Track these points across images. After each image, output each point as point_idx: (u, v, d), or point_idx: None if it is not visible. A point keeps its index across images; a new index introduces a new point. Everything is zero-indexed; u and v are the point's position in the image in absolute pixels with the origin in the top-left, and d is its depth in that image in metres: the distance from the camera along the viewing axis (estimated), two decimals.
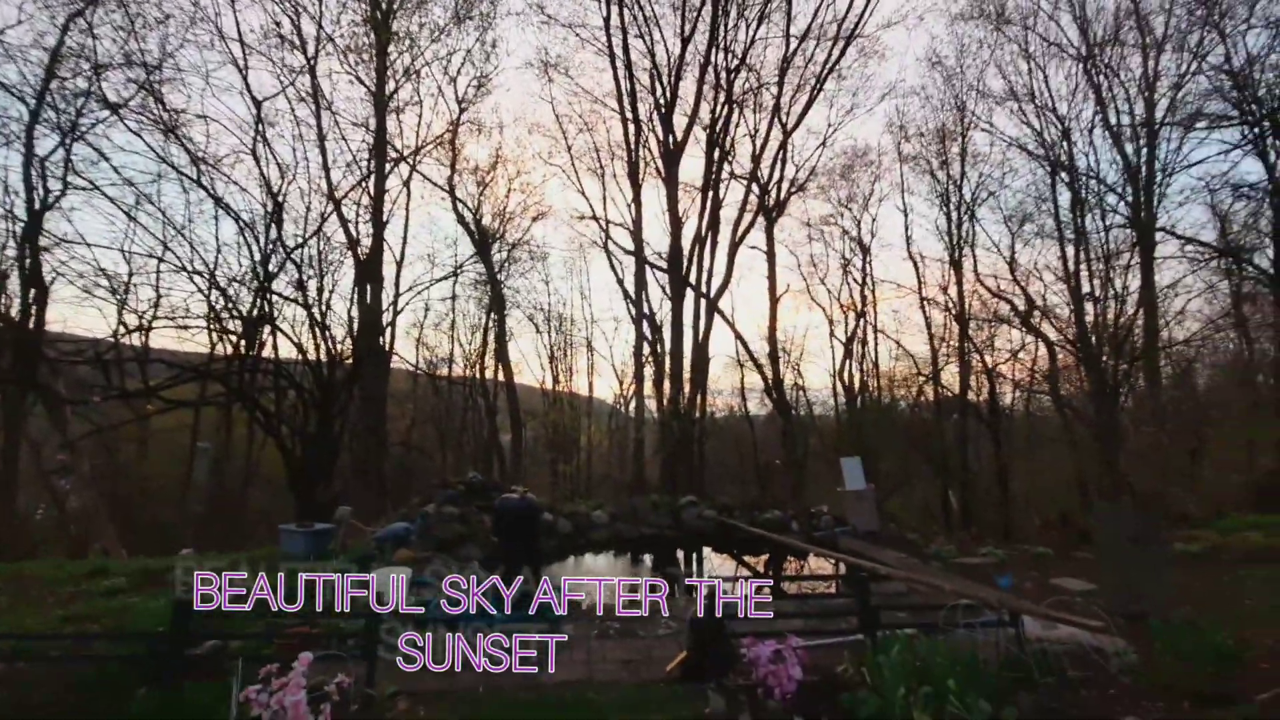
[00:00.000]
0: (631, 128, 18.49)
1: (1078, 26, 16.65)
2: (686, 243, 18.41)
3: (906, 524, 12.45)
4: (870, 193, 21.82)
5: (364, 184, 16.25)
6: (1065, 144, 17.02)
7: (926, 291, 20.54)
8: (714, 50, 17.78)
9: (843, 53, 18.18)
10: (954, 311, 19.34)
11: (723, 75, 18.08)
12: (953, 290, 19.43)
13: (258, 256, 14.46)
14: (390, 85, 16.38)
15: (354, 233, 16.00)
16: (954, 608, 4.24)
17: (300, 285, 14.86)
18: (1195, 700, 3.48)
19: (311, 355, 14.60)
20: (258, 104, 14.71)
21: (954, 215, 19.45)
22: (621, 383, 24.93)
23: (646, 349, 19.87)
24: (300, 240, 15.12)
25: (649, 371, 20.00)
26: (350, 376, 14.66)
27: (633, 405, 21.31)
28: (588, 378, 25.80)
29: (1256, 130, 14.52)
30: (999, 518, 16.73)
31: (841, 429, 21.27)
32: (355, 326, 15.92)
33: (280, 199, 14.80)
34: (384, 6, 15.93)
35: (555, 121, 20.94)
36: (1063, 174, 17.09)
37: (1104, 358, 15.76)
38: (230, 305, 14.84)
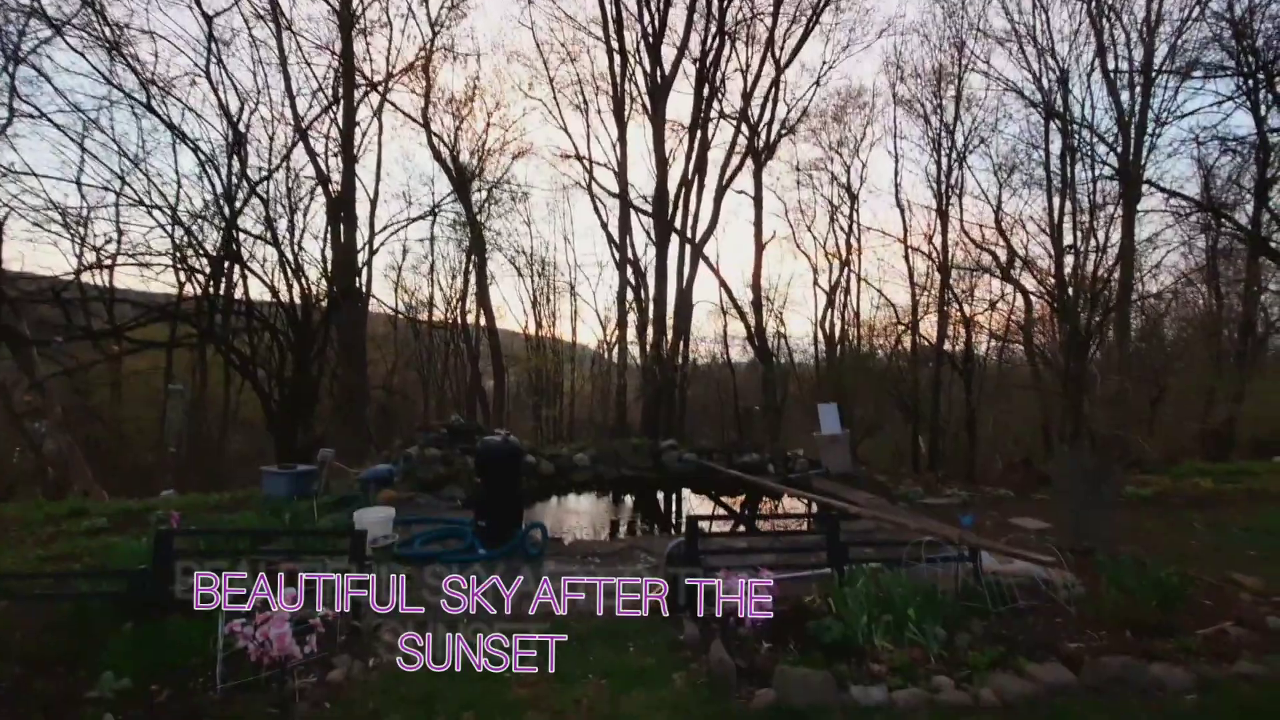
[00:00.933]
0: (617, 59, 17.60)
1: None
2: (672, 185, 17.92)
3: (878, 467, 12.94)
4: (862, 137, 21.37)
5: (332, 113, 15.38)
6: (1061, 89, 16.67)
7: (912, 240, 20.52)
8: None
9: None
10: (937, 261, 19.39)
11: (714, 2, 17.12)
12: (937, 239, 19.43)
13: (220, 190, 13.76)
14: (356, 3, 15.23)
15: (324, 167, 15.27)
16: (917, 544, 4.46)
17: (269, 222, 14.26)
18: (1137, 630, 3.75)
19: (285, 296, 14.18)
20: (209, 19, 13.58)
21: (944, 162, 19.17)
22: (605, 328, 24.84)
23: (630, 294, 19.71)
24: (266, 173, 14.38)
25: (632, 317, 19.91)
26: (326, 318, 14.34)
27: (616, 351, 21.31)
28: (571, 323, 25.64)
29: (1251, 82, 14.35)
30: (965, 461, 17.42)
31: (820, 377, 21.63)
32: (329, 267, 15.45)
33: (242, 128, 13.95)
34: None
35: (536, 49, 19.83)
36: (1056, 121, 16.81)
37: (1079, 309, 16.04)
38: (195, 242, 14.24)
